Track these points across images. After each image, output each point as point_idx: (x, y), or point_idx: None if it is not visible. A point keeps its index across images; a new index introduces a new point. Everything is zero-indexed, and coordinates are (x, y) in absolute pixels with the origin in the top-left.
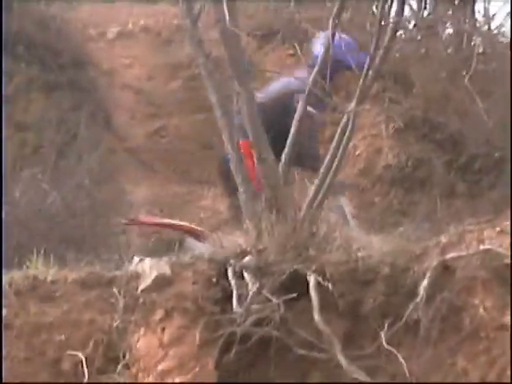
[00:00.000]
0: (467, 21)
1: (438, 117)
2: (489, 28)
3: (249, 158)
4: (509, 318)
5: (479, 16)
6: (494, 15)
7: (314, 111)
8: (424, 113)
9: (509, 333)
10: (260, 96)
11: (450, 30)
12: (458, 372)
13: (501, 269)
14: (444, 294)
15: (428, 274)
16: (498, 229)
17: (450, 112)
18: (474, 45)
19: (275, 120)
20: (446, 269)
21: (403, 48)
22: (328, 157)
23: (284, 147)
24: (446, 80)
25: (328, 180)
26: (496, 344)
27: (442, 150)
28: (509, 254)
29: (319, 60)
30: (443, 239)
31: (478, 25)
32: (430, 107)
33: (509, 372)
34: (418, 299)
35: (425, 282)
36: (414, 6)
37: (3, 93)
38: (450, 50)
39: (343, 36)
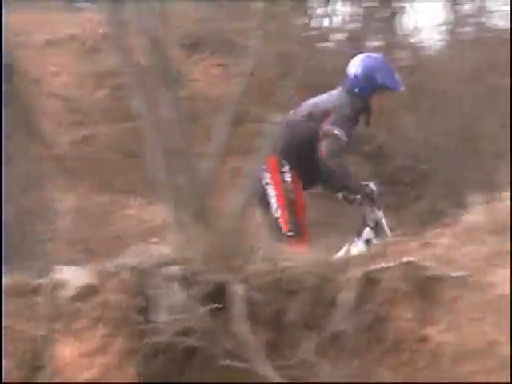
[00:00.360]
0: (393, 34)
1: (365, 129)
2: (416, 41)
3: (274, 172)
4: (430, 330)
5: (406, 29)
6: (419, 29)
7: (340, 132)
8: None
9: (430, 345)
10: (290, 114)
11: (376, 43)
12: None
13: (423, 281)
14: (368, 306)
15: (352, 285)
16: (422, 241)
17: (378, 124)
18: (400, 58)
19: (301, 138)
20: (370, 280)
21: (331, 60)
22: (249, 167)
23: (309, 166)
24: None
25: (250, 190)
26: (418, 356)
27: (370, 162)
28: (431, 265)
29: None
30: (368, 250)
31: (404, 38)
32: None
33: None
34: (342, 310)
35: (349, 293)
36: (342, 19)
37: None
38: None
39: (374, 55)
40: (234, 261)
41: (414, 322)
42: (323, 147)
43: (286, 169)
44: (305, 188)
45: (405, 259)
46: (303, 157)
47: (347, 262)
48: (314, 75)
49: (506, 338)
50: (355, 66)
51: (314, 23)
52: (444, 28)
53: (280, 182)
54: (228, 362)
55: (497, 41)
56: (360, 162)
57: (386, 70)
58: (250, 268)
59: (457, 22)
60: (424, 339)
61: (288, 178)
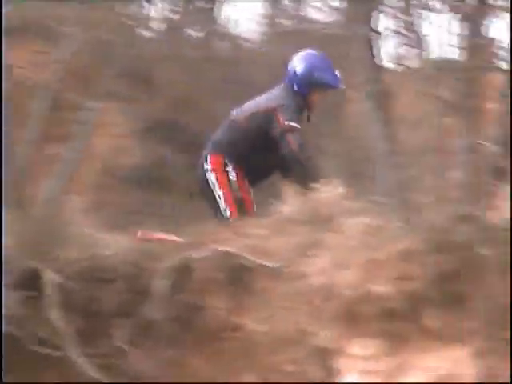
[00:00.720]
0: (213, 25)
1: (181, 118)
2: (236, 32)
3: (219, 171)
4: (244, 319)
5: (226, 21)
6: (239, 20)
7: (296, 125)
8: (168, 114)
9: (244, 334)
10: (234, 113)
11: (197, 33)
12: (193, 371)
13: (238, 270)
14: (183, 294)
15: (167, 274)
16: (237, 231)
17: (193, 114)
18: (220, 48)
19: (246, 137)
20: (185, 269)
21: (149, 48)
22: (65, 154)
23: (255, 163)
24: (191, 83)
25: (64, 177)
26: (232, 345)
27: (185, 152)
28: (246, 255)
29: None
30: (183, 239)
31: (224, 29)
32: (174, 108)
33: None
34: (156, 298)
35: (164, 282)
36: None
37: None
38: (196, 53)
39: (314, 52)
40: (49, 248)
41: (228, 311)
42: (291, 142)
43: (230, 168)
44: (252, 185)
45: (220, 248)
46: (249, 155)
47: (163, 250)
48: (133, 63)
49: (316, 328)
50: (295, 64)
51: (133, 11)
52: (263, 20)
53: (226, 181)
54: (41, 349)
55: (315, 34)
56: (175, 151)
57: (325, 67)
58: (65, 255)
59: (276, 14)
60: (237, 328)
61: (233, 176)
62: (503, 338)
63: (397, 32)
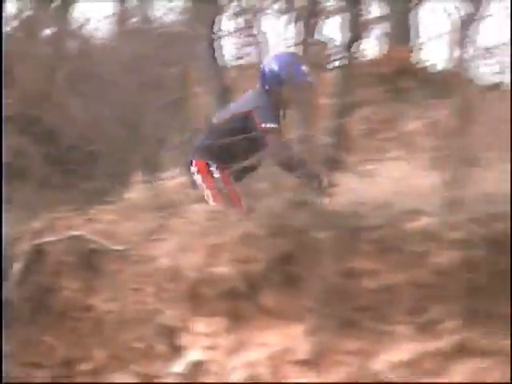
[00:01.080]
0: (65, 22)
1: (35, 112)
2: (86, 31)
3: (203, 172)
4: (94, 300)
5: (78, 19)
6: (89, 19)
7: (274, 125)
8: (23, 108)
9: (94, 314)
10: (214, 119)
11: (49, 30)
12: (48, 349)
13: (88, 254)
14: (36, 277)
15: (21, 258)
16: (87, 217)
17: (47, 108)
18: (71, 46)
19: (228, 136)
20: (38, 253)
21: (5, 44)
22: None
23: (239, 159)
24: (45, 78)
25: None
26: (83, 324)
27: (40, 143)
28: (95, 239)
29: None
30: (36, 225)
31: (76, 28)
32: (28, 103)
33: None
34: (11, 281)
35: (18, 265)
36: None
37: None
38: (48, 49)
39: (282, 53)
40: None
41: (79, 292)
42: (271, 146)
43: (213, 167)
44: (237, 180)
45: (71, 233)
46: (230, 153)
47: (17, 235)
48: None
49: (163, 307)
50: (265, 64)
51: None
52: (112, 19)
53: (212, 181)
54: None
55: (159, 33)
56: (30, 143)
57: (292, 64)
58: None
59: (123, 13)
60: (88, 308)
61: (217, 174)
62: (334, 316)
63: (237, 32)
